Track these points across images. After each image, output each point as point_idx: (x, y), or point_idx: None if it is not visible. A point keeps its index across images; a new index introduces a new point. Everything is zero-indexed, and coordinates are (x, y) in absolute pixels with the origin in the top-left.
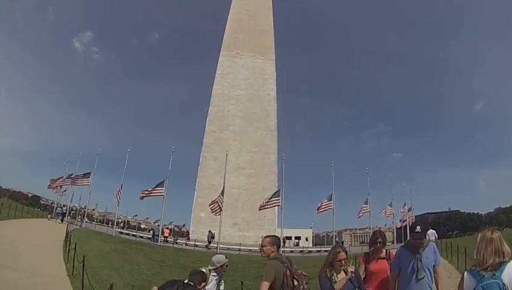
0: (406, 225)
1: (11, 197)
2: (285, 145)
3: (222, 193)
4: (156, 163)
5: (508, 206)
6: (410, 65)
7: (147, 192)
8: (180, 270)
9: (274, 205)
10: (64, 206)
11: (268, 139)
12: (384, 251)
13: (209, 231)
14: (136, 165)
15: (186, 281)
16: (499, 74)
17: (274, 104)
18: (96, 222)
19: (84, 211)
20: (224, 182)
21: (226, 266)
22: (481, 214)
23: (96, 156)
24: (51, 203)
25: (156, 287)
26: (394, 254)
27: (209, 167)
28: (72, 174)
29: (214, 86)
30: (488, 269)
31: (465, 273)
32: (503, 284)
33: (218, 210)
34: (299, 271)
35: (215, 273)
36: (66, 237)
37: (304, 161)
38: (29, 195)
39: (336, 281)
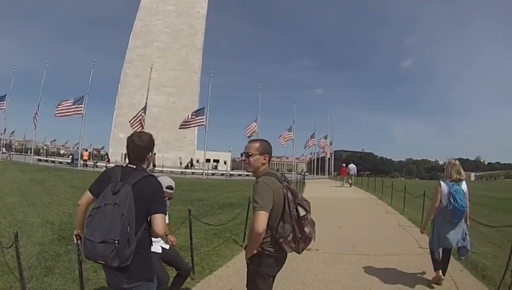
0: (323, 157)
1: None
2: (209, 63)
3: (144, 109)
4: (76, 80)
5: (419, 159)
6: (347, 6)
7: (64, 109)
8: None
9: (198, 124)
10: None
11: (193, 57)
12: None
13: (154, 153)
14: (55, 85)
15: (126, 165)
16: (433, 38)
17: (203, 22)
18: (15, 151)
19: (9, 141)
20: (146, 99)
21: (171, 196)
22: (393, 161)
23: (12, 76)
24: None
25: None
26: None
27: (130, 85)
28: None
29: None
30: (454, 181)
31: (441, 181)
32: (463, 190)
33: (140, 128)
34: (299, 195)
35: None
36: None
37: (227, 83)
38: None
39: None
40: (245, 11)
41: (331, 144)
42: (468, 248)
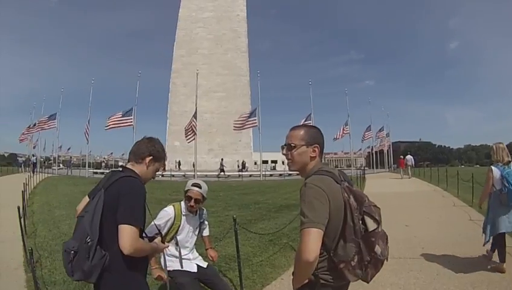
0: (382, 150)
1: None
2: (256, 67)
3: (195, 116)
4: (123, 93)
5: (477, 144)
6: None
7: (113, 121)
8: (155, 204)
9: (251, 125)
10: (34, 156)
11: (239, 60)
12: None
13: (221, 159)
14: (103, 98)
15: (118, 168)
16: (477, 17)
17: (244, 24)
18: (74, 166)
19: (70, 157)
20: (196, 106)
21: (200, 198)
22: (452, 148)
23: (60, 96)
24: (28, 157)
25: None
26: None
27: (180, 93)
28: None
29: (180, 9)
30: (505, 164)
31: (492, 167)
32: None
33: (193, 135)
34: (366, 199)
35: (187, 212)
36: (24, 190)
37: (277, 84)
38: (6, 154)
39: None
40: (283, 11)
41: (388, 135)
42: None
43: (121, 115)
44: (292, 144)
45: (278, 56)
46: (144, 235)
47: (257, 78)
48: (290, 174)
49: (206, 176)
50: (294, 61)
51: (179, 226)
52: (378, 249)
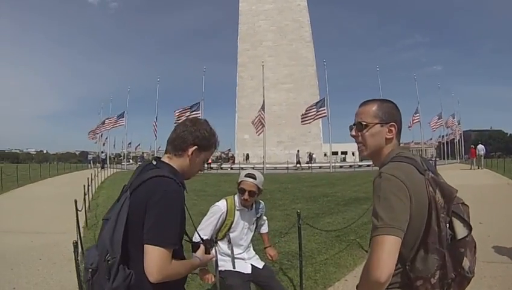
0: (453, 140)
1: (60, 159)
2: (322, 57)
3: (262, 108)
4: (190, 89)
5: None
6: None
7: (180, 117)
8: (221, 197)
9: (320, 115)
10: (102, 152)
11: (305, 50)
12: None
13: (297, 151)
14: (169, 95)
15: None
16: None
17: (306, 14)
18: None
19: (141, 153)
20: (263, 98)
21: (255, 191)
22: None
23: (127, 95)
24: (97, 154)
25: None
26: None
27: (247, 86)
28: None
29: (240, 3)
30: None
31: None
32: None
33: (261, 127)
34: (456, 194)
35: (241, 207)
36: (87, 185)
37: (343, 73)
38: (77, 153)
39: None
40: None
41: (459, 123)
42: None
43: (188, 110)
44: (363, 123)
45: (343, 44)
46: (187, 239)
47: (324, 67)
48: (360, 166)
49: (275, 168)
50: (359, 48)
51: (232, 222)
52: (466, 263)
